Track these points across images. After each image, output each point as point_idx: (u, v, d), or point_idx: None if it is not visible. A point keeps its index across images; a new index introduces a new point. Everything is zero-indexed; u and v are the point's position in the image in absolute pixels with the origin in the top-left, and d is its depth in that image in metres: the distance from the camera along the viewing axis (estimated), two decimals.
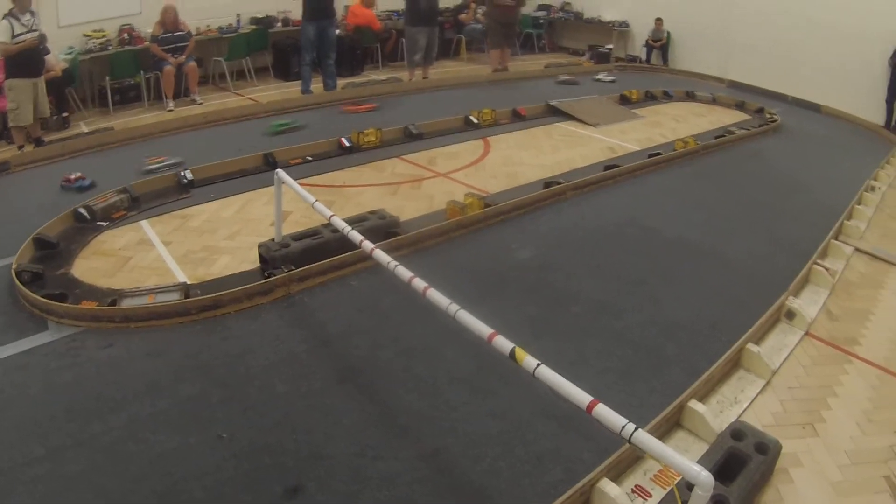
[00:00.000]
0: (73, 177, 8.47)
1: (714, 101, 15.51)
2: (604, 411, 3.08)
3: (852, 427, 4.86)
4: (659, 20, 18.84)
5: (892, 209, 9.61)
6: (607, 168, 9.55)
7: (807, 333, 6.04)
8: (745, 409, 4.95)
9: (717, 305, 6.31)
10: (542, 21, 20.97)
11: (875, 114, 15.02)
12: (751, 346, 5.46)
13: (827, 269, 7.09)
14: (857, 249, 7.94)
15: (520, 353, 3.51)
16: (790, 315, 6.17)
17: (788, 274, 6.83)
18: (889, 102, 14.90)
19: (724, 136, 11.97)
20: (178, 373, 4.96)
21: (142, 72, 13.09)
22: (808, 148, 12.33)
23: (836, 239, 8.04)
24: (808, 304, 6.49)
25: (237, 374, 4.96)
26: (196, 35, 13.71)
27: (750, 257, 7.41)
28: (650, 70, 18.94)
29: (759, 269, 7.15)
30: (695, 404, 4.66)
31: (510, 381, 4.75)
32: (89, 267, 6.56)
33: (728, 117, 14.03)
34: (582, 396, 3.17)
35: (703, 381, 4.93)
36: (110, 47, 13.10)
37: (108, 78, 12.79)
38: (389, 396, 4.80)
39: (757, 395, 5.13)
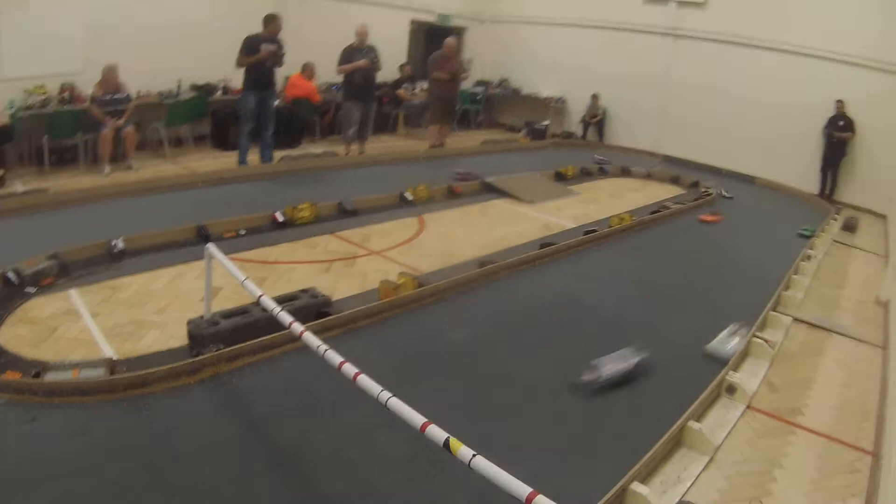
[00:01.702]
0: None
1: (649, 176, 15.85)
2: (543, 501, 3.06)
3: (800, 499, 4.97)
4: (595, 96, 19.35)
5: (829, 277, 9.89)
6: (543, 246, 9.69)
7: (748, 407, 6.16)
8: (689, 488, 4.98)
9: (655, 384, 6.39)
10: (479, 97, 21.30)
11: (809, 183, 15.56)
12: (692, 424, 5.53)
13: (766, 341, 7.23)
14: (795, 319, 8.12)
15: (454, 443, 3.49)
16: (731, 390, 6.29)
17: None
18: (823, 171, 15.64)
19: (660, 210, 12.18)
20: (104, 453, 4.84)
21: (80, 133, 12.94)
22: (744, 219, 12.66)
23: (775, 310, 8.25)
24: (748, 376, 6.64)
25: (163, 456, 4.85)
26: (136, 98, 13.66)
27: (688, 331, 7.55)
28: (586, 146, 19.28)
29: (697, 343, 7.26)
30: (637, 486, 4.67)
31: (446, 466, 4.71)
32: (15, 334, 6.43)
33: (663, 192, 14.33)
34: (520, 488, 3.16)
35: (644, 461, 4.94)
36: (50, 105, 12.97)
37: (46, 137, 12.64)
38: (321, 483, 4.75)
39: (701, 473, 5.18)
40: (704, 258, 10.12)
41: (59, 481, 4.49)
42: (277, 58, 13.15)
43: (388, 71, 17.25)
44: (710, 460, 5.33)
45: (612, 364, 6.32)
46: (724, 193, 14.80)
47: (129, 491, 4.44)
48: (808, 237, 11.35)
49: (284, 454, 5.03)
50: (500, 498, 4.12)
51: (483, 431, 4.81)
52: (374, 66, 14.88)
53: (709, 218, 12.29)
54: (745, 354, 7.08)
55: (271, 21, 13.04)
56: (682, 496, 4.85)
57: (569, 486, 4.74)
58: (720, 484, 5.06)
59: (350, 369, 4.18)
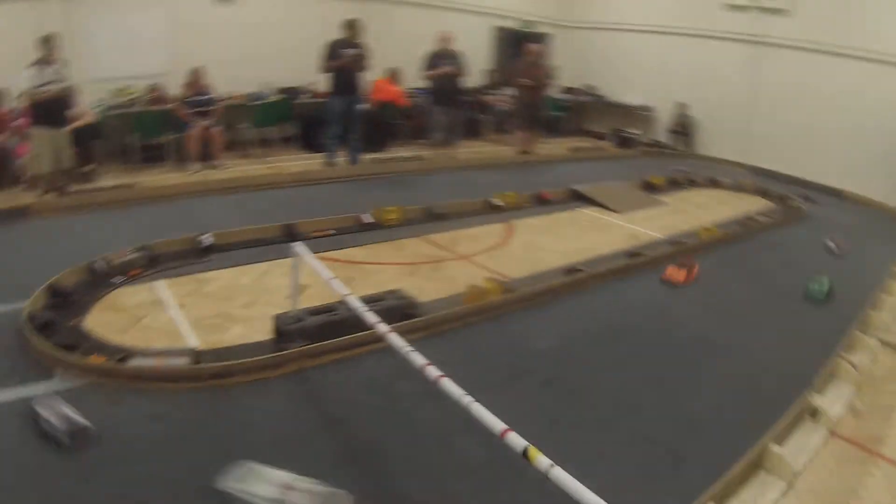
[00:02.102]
0: None
1: (737, 188, 15.48)
2: None
3: None
4: (682, 105, 18.97)
5: None
6: (630, 256, 9.48)
7: (831, 432, 5.85)
8: None
9: (738, 403, 6.14)
10: (566, 104, 21.07)
11: None
12: (773, 447, 5.26)
13: (852, 364, 6.92)
14: (882, 342, 7.79)
15: (532, 451, 3.41)
16: (814, 413, 6.00)
17: (812, 369, 6.66)
18: None
19: (748, 224, 11.90)
20: (182, 439, 4.85)
21: (167, 132, 13.17)
22: (833, 236, 12.27)
23: (862, 331, 7.88)
24: (832, 400, 6.29)
25: (241, 445, 4.79)
26: (223, 100, 13.81)
27: (773, 351, 7.24)
28: (674, 156, 18.96)
29: (782, 363, 6.96)
30: None
31: (523, 474, 4.46)
32: (102, 321, 6.49)
33: (751, 204, 13.98)
34: (596, 502, 3.06)
35: (722, 483, 4.74)
36: (137, 105, 13.26)
37: (133, 135, 12.89)
38: (395, 483, 4.66)
39: (778, 499, 4.93)
40: (789, 275, 9.77)
41: (138, 462, 4.54)
42: (360, 62, 13.13)
43: (474, 76, 17.09)
44: (789, 487, 5.07)
45: None
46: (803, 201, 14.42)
47: (204, 477, 4.39)
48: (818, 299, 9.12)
49: (361, 451, 4.97)
50: None
51: (562, 442, 4.65)
52: (460, 71, 14.78)
53: (675, 276, 9.32)
54: (829, 376, 6.75)
55: (351, 26, 13.06)
56: None
57: (645, 501, 4.58)
58: None
59: (433, 371, 4.12)
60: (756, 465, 5.21)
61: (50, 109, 10.08)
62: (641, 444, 5.35)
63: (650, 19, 19.94)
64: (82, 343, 5.98)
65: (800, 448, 5.54)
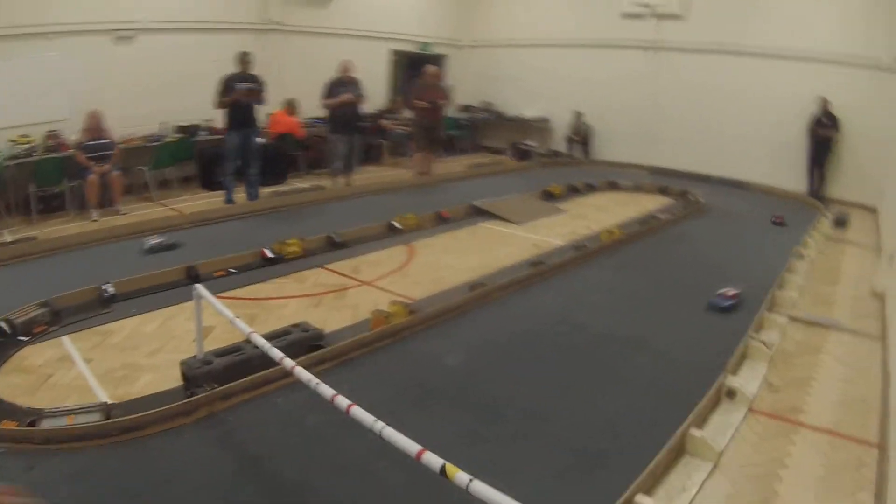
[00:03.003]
0: None
1: (637, 189, 15.80)
2: None
3: (808, 497, 4.94)
4: (578, 113, 19.33)
5: (823, 274, 9.87)
6: (532, 265, 9.65)
7: (750, 409, 6.12)
8: (695, 496, 4.93)
9: (654, 396, 6.36)
10: (465, 122, 21.36)
11: (800, 184, 15.58)
12: (693, 431, 5.48)
13: (763, 343, 7.21)
14: (791, 318, 8.09)
15: (450, 468, 3.48)
16: (731, 394, 6.24)
17: (724, 353, 6.94)
18: (810, 170, 15.71)
19: (649, 222, 12.16)
20: (103, 498, 4.82)
21: (66, 180, 13.02)
22: (735, 226, 12.70)
23: (770, 311, 8.20)
24: (747, 380, 6.59)
25: (164, 499, 4.82)
26: (121, 143, 13.70)
27: (683, 342, 7.52)
28: (572, 163, 19.31)
29: (693, 352, 7.25)
30: (642, 498, 4.63)
31: (443, 492, 4.39)
32: (9, 383, 6.42)
33: (652, 203, 14.31)
34: None
35: (647, 473, 4.90)
36: (35, 153, 13.04)
37: (32, 185, 12.71)
38: None
39: (706, 480, 5.12)
40: (694, 267, 10.10)
41: None
42: (254, 95, 13.19)
43: (372, 101, 17.22)
44: (715, 466, 5.28)
45: None
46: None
47: None
48: None
49: (284, 489, 5.00)
50: None
51: (479, 457, 4.77)
52: (359, 99, 14.91)
53: None
54: (742, 357, 7.05)
55: (243, 59, 13.12)
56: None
57: (569, 500, 4.71)
58: (727, 489, 5.02)
59: (342, 401, 4.17)
60: (679, 451, 5.42)
61: None
62: (558, 451, 5.49)
63: (547, 34, 20.44)
64: None
65: (720, 429, 5.80)
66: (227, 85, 12.94)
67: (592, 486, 5.01)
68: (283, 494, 4.93)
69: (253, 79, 13.18)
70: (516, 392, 6.43)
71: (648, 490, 4.88)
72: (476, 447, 5.43)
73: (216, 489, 4.94)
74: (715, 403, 6.21)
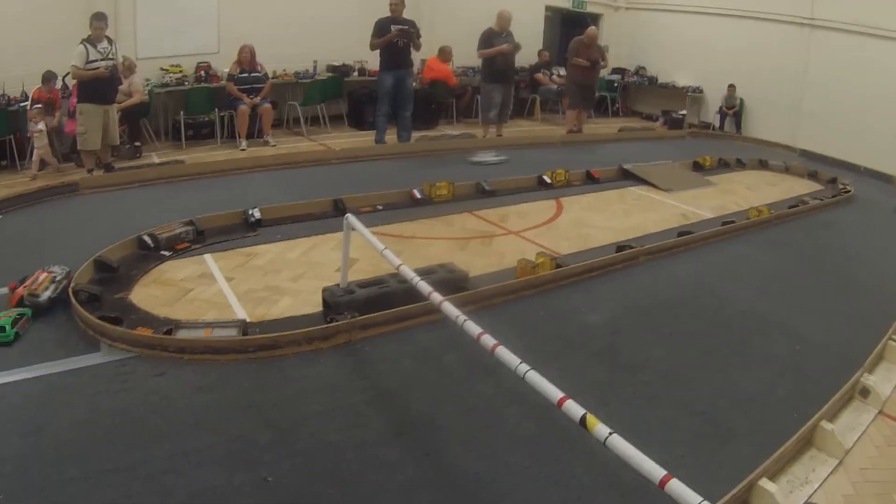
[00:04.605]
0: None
1: (787, 170, 15.18)
2: (677, 487, 2.88)
3: None
4: (731, 86, 18.65)
5: None
6: (680, 234, 9.29)
7: (881, 412, 5.67)
8: (815, 490, 4.60)
9: (789, 380, 5.97)
10: (616, 85, 20.89)
11: None
12: (824, 424, 5.11)
13: None
14: None
15: (591, 420, 3.30)
16: (864, 392, 5.81)
17: (863, 349, 6.46)
18: None
19: (798, 205, 11.66)
20: (229, 410, 4.80)
21: (216, 109, 13.23)
22: (882, 220, 12.00)
23: None
24: (882, 381, 6.10)
25: (289, 417, 4.75)
26: (272, 78, 13.82)
27: (823, 331, 7.03)
28: (723, 137, 18.69)
29: (832, 343, 6.77)
30: (765, 483, 4.33)
31: (573, 447, 4.45)
32: (148, 294, 6.50)
33: (800, 187, 13.72)
34: (655, 470, 2.98)
35: (774, 458, 4.59)
36: (186, 83, 13.34)
37: (182, 113, 12.99)
38: (446, 455, 4.54)
39: (828, 476, 4.78)
40: (839, 256, 9.53)
41: (182, 434, 4.49)
42: (409, 38, 13.10)
43: (525, 56, 16.91)
44: (839, 464, 4.91)
45: None
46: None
47: (250, 448, 4.39)
48: None
49: (412, 423, 4.88)
50: (625, 483, 3.96)
51: (613, 415, 4.50)
52: (515, 49, 14.62)
53: None
54: (880, 357, 6.57)
55: (395, 3, 12.97)
56: (809, 497, 4.48)
57: (697, 475, 4.41)
58: (846, 489, 4.64)
59: (489, 340, 3.98)
60: (807, 442, 5.08)
61: (98, 87, 10.12)
62: (692, 419, 5.22)
63: (702, 1, 19.63)
64: (129, 316, 5.96)
65: (849, 426, 5.39)
66: (382, 27, 12.87)
67: (719, 461, 4.71)
68: (409, 429, 4.80)
69: (407, 22, 13.07)
70: (654, 356, 6.14)
71: (772, 476, 4.56)
72: (610, 406, 5.14)
73: (344, 415, 4.85)
74: (848, 399, 5.78)
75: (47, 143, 10.44)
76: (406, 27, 12.96)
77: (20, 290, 6.04)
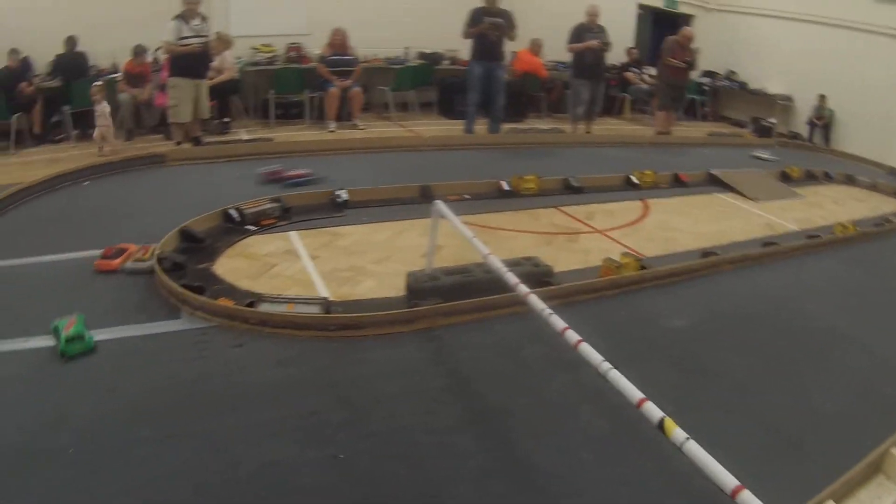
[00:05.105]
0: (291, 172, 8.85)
1: (874, 188, 14.84)
2: (749, 498, 2.87)
3: None
4: (822, 97, 18.21)
5: None
6: (765, 245, 9.12)
7: None
8: None
9: (863, 402, 5.76)
10: (706, 88, 20.50)
11: None
12: (895, 451, 4.95)
13: None
14: None
15: (668, 423, 3.30)
16: None
17: None
18: None
19: (884, 224, 11.38)
20: (305, 385, 4.83)
21: (306, 90, 13.36)
22: None
23: None
24: None
25: (365, 398, 4.76)
26: (363, 62, 13.84)
27: None
28: (811, 149, 18.32)
29: None
30: None
31: (645, 450, 4.38)
32: (232, 267, 6.59)
33: (888, 205, 13.39)
34: (728, 479, 2.97)
35: (842, 482, 4.42)
36: (277, 63, 13.55)
37: (272, 92, 13.11)
38: (519, 447, 4.49)
39: None
40: None
41: (257, 405, 4.60)
42: (503, 30, 12.94)
43: (616, 54, 16.77)
44: None
45: None
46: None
47: (324, 425, 4.42)
48: None
49: (486, 413, 4.84)
50: (694, 490, 3.89)
51: (685, 422, 4.42)
52: (605, 46, 14.47)
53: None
54: None
55: None
56: None
57: (764, 490, 4.28)
58: None
59: (572, 336, 3.95)
60: (876, 468, 4.88)
61: (190, 62, 10.30)
62: (763, 432, 5.09)
63: (798, 7, 19.22)
64: (211, 286, 6.03)
65: None
66: (476, 17, 12.78)
67: (787, 477, 4.54)
68: (484, 418, 4.77)
69: (501, 14, 12.95)
70: (731, 366, 6.01)
71: (839, 499, 4.38)
72: (683, 414, 5.02)
73: (420, 400, 4.84)
74: None
75: (109, 122, 10.53)
76: (499, 20, 12.84)
77: (120, 260, 6.23)
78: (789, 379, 5.90)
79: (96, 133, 10.54)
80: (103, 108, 10.31)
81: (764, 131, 18.50)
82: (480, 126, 13.67)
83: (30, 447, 3.97)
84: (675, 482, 4.18)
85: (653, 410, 3.37)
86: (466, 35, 12.92)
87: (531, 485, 4.13)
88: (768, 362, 6.15)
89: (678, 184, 12.04)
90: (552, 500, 4.05)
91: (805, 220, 11.06)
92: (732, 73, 20.71)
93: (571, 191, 10.54)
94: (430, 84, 15.58)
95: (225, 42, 11.97)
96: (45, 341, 5.06)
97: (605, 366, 3.65)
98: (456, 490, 3.98)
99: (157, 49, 11.38)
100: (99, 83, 10.67)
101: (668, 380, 5.53)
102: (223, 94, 12.32)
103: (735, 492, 2.89)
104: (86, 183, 8.92)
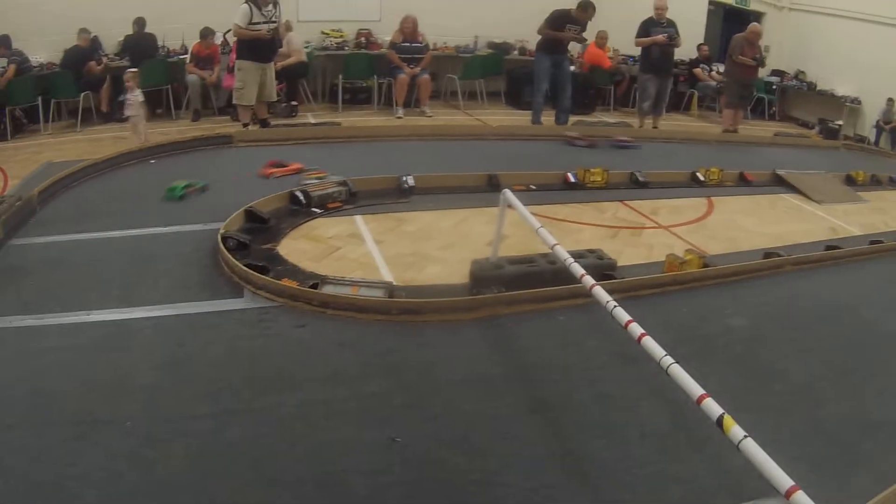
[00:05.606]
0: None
1: None
2: (802, 499, 2.89)
3: None
4: (891, 100, 17.86)
5: None
6: (828, 248, 8.99)
7: None
8: None
9: None
10: (774, 87, 20.22)
11: None
12: None
13: None
14: None
15: (728, 421, 3.31)
16: None
17: None
18: None
19: None
20: (366, 368, 4.86)
21: (375, 76, 13.46)
22: None
23: None
24: None
25: (425, 382, 4.78)
26: (432, 50, 13.89)
27: None
28: (877, 153, 17.98)
29: None
30: None
31: (700, 448, 4.36)
32: (296, 248, 6.64)
33: None
34: (783, 479, 3.01)
35: (892, 492, 4.28)
36: (346, 48, 13.64)
37: (340, 77, 13.24)
38: (576, 438, 4.48)
39: None
40: None
41: (317, 385, 4.65)
42: (673, 41, 13.34)
43: (686, 49, 16.61)
44: None
45: None
46: None
47: (383, 407, 4.47)
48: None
49: (546, 403, 4.81)
50: (749, 489, 3.81)
51: (742, 421, 4.37)
52: (673, 41, 14.32)
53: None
54: None
55: (584, 9, 12.73)
56: None
57: (817, 496, 4.23)
58: None
59: (636, 329, 3.97)
60: None
61: (258, 46, 10.38)
62: (819, 438, 5.00)
63: (869, 8, 18.89)
64: (275, 267, 6.08)
65: None
66: (558, 20, 12.68)
67: (839, 485, 4.46)
68: (542, 408, 4.75)
69: (579, 24, 12.85)
70: (790, 368, 5.91)
71: None
72: (740, 413, 4.97)
73: (479, 387, 4.85)
74: None
75: (140, 112, 10.41)
76: (578, 34, 12.90)
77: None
78: (848, 385, 5.81)
79: (129, 123, 10.47)
80: (136, 97, 10.13)
81: (830, 133, 18.22)
82: (548, 117, 13.60)
83: (90, 417, 4.05)
84: (727, 483, 4.17)
85: (712, 407, 3.38)
86: (543, 32, 12.83)
87: (585, 477, 4.13)
88: (827, 367, 6.06)
89: (744, 183, 11.90)
90: (603, 494, 4.04)
91: (869, 224, 10.88)
92: (801, 72, 20.40)
93: (637, 185, 10.46)
94: (498, 74, 15.55)
95: (286, 26, 12.05)
96: (108, 315, 5.17)
97: (667, 360, 3.65)
98: (508, 478, 3.98)
99: (227, 32, 11.47)
100: (133, 70, 10.70)
101: (726, 379, 5.46)
102: (291, 78, 12.44)
103: (790, 492, 2.90)
104: (152, 161, 9.07)
